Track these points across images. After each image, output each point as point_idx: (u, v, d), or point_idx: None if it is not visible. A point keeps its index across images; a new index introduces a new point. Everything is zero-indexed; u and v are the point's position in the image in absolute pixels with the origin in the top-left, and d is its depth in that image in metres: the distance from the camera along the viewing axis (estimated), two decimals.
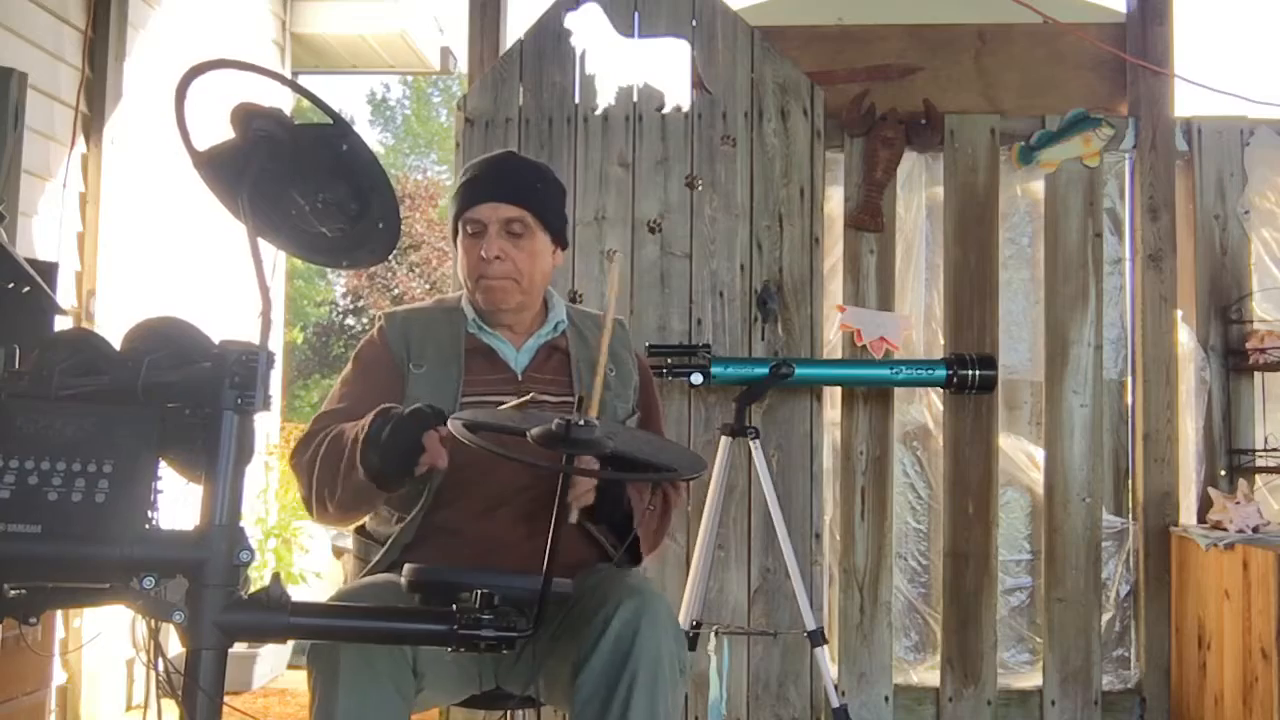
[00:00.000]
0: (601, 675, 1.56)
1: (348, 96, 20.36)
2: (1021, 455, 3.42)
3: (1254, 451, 3.24)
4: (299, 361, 14.16)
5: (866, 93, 3.37)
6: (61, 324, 2.89)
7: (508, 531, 1.80)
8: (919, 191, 3.44)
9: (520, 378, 1.92)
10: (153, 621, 1.26)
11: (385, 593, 1.67)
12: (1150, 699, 3.25)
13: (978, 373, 2.96)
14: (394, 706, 1.58)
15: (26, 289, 1.97)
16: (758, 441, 2.85)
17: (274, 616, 1.28)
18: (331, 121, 1.33)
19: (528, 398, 1.78)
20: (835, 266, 3.39)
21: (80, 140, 3.32)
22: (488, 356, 1.93)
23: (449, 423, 1.42)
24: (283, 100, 3.78)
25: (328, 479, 1.73)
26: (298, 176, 1.36)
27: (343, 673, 1.55)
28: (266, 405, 1.27)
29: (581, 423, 1.30)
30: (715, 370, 2.96)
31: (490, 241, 1.87)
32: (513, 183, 1.90)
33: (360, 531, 1.95)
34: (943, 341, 3.37)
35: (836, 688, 2.96)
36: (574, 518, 1.70)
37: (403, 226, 1.50)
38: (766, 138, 3.30)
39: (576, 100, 3.32)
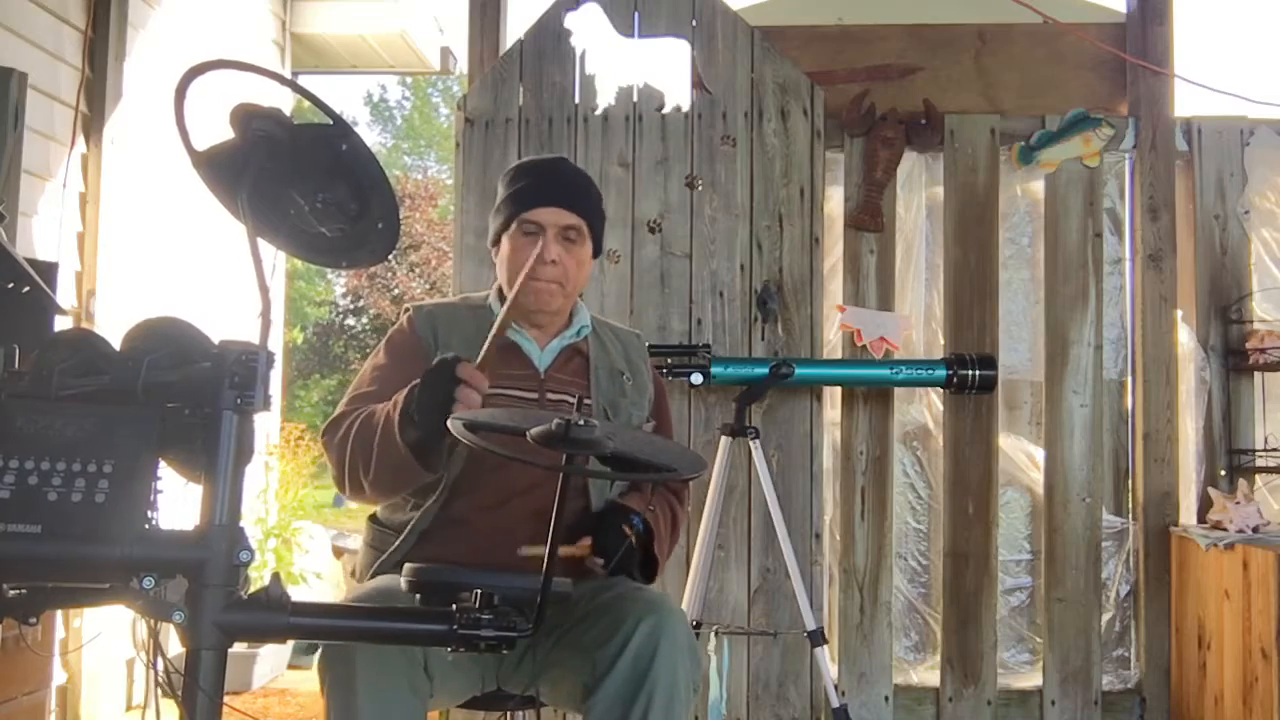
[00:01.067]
0: (617, 695, 1.58)
1: (348, 97, 20.37)
2: (1021, 455, 3.42)
3: (1254, 451, 3.24)
4: (299, 361, 14.17)
5: (866, 93, 3.36)
6: (61, 324, 2.89)
7: (519, 523, 1.81)
8: (919, 191, 3.44)
9: (542, 376, 1.95)
10: (153, 621, 1.26)
11: (394, 597, 1.68)
12: (1150, 699, 3.25)
13: (978, 373, 2.96)
14: (411, 707, 1.59)
15: (26, 289, 1.98)
16: (758, 441, 2.86)
17: (274, 616, 1.28)
18: (331, 121, 1.33)
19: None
20: (835, 266, 3.39)
21: (80, 140, 3.32)
22: (512, 352, 1.95)
23: (449, 423, 1.42)
24: (283, 100, 3.78)
25: (361, 457, 1.75)
26: (297, 176, 1.35)
27: (360, 675, 1.55)
28: (266, 405, 1.27)
29: (581, 423, 1.30)
30: (715, 370, 2.96)
31: (548, 245, 1.90)
32: (572, 190, 1.96)
33: (374, 520, 1.97)
34: (943, 341, 3.37)
35: (836, 688, 2.96)
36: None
37: (402, 226, 1.50)
38: (766, 138, 3.30)
39: (576, 100, 3.32)
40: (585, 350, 2.01)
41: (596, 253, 2.03)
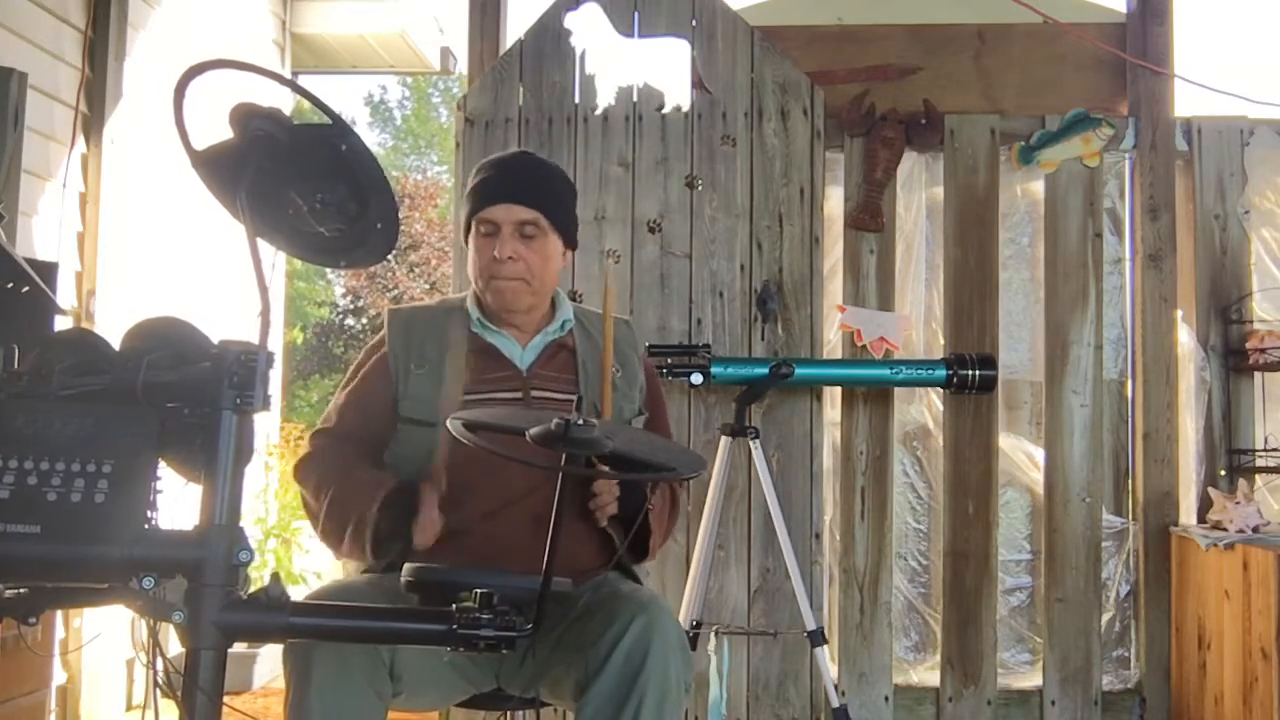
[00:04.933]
0: (610, 695, 1.57)
1: (348, 97, 20.37)
2: (1021, 455, 3.42)
3: (1254, 451, 3.24)
4: (299, 361, 14.17)
5: (866, 93, 3.36)
6: (61, 324, 2.89)
7: (516, 533, 1.80)
8: (919, 191, 3.44)
9: (525, 374, 1.93)
10: (152, 621, 1.26)
11: (373, 591, 1.68)
12: (1150, 699, 3.25)
13: (978, 373, 2.96)
14: (369, 706, 1.59)
15: (26, 289, 1.98)
16: (758, 441, 2.85)
17: (273, 616, 1.28)
18: (330, 121, 1.33)
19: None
20: (835, 266, 3.39)
21: (80, 140, 3.32)
22: (492, 355, 1.94)
23: (448, 423, 1.42)
24: (283, 100, 3.78)
25: (333, 535, 1.84)
26: (296, 176, 1.35)
27: (315, 671, 1.55)
28: (266, 405, 1.27)
29: (580, 422, 1.30)
30: (715, 370, 2.96)
31: (504, 242, 1.89)
32: (528, 184, 1.92)
33: None
34: (943, 341, 3.37)
35: (836, 688, 2.96)
36: (603, 522, 1.80)
37: (402, 226, 1.51)
38: (766, 138, 3.30)
39: (576, 100, 3.32)
40: (571, 345, 1.99)
41: (570, 244, 1.99)
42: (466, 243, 1.98)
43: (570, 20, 3.30)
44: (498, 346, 1.95)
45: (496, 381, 1.91)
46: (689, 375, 2.95)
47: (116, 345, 1.33)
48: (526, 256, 1.89)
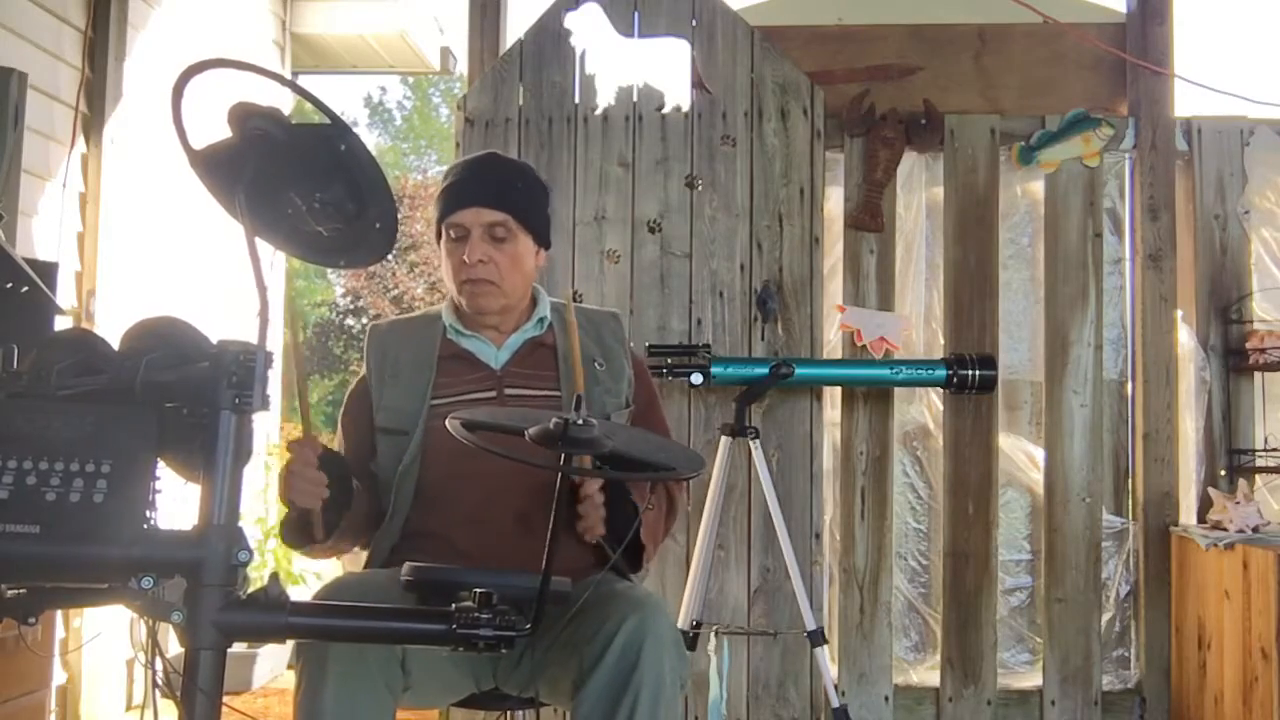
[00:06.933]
0: (604, 693, 1.57)
1: (348, 97, 20.37)
2: (1021, 455, 3.41)
3: (1254, 451, 3.24)
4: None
5: (866, 93, 3.36)
6: (61, 324, 2.89)
7: (500, 534, 1.80)
8: (919, 191, 3.44)
9: (499, 373, 1.93)
10: (151, 621, 1.26)
11: (372, 587, 1.68)
12: (1150, 699, 3.25)
13: (978, 373, 2.96)
14: (381, 701, 1.59)
15: (26, 289, 1.98)
16: (758, 441, 2.85)
17: (272, 616, 1.28)
18: (329, 121, 1.33)
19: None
20: (835, 266, 3.39)
21: (80, 140, 3.32)
22: (466, 359, 1.94)
23: (446, 422, 1.42)
24: (283, 100, 3.78)
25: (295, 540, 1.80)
26: (295, 176, 1.35)
27: (331, 663, 1.55)
28: (265, 405, 1.27)
29: (579, 422, 1.30)
30: (715, 370, 2.96)
31: (473, 245, 1.89)
32: (495, 186, 1.91)
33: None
34: (943, 341, 3.37)
35: (836, 688, 2.96)
36: (592, 541, 1.77)
37: (402, 226, 1.51)
38: (766, 138, 3.30)
39: (576, 100, 3.32)
40: (550, 342, 1.97)
41: (543, 244, 1.98)
42: (439, 248, 1.98)
43: (570, 20, 3.30)
44: (472, 351, 1.95)
45: (470, 383, 1.91)
46: (689, 375, 2.95)
47: (116, 345, 1.33)
48: (497, 259, 1.89)
